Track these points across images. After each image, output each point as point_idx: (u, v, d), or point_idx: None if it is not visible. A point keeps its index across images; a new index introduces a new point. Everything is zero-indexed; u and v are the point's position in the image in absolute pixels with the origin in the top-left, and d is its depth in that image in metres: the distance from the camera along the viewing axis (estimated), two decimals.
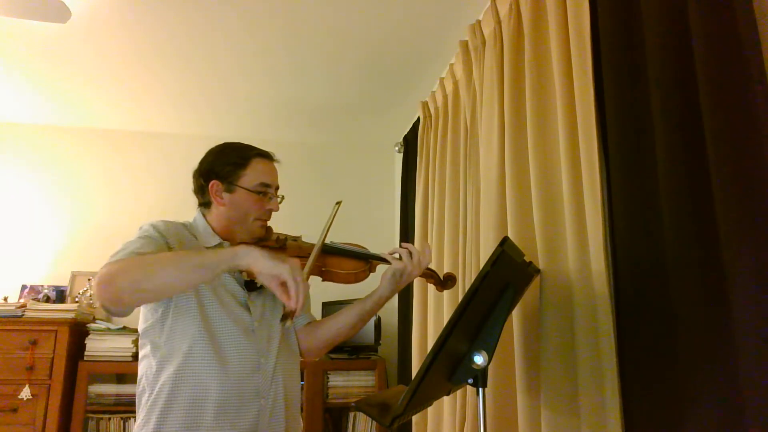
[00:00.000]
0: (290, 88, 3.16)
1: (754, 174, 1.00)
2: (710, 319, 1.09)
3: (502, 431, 1.72)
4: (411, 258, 1.45)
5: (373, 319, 3.23)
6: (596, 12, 1.50)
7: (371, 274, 1.52)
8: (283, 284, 1.14)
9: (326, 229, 1.50)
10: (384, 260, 1.48)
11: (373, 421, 3.20)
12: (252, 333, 1.39)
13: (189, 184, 1.53)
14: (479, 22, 2.25)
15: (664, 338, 1.20)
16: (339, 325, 1.54)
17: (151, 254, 1.23)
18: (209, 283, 1.34)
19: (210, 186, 1.46)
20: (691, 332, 1.12)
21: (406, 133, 3.61)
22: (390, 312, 3.52)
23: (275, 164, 1.54)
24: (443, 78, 2.79)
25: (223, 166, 1.46)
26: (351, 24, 2.49)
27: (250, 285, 1.46)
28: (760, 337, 0.95)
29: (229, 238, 1.47)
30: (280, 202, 1.52)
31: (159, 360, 1.34)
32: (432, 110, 2.99)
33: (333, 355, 3.34)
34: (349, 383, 3.25)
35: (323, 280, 1.50)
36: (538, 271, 1.59)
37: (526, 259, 1.49)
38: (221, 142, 1.55)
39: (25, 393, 2.80)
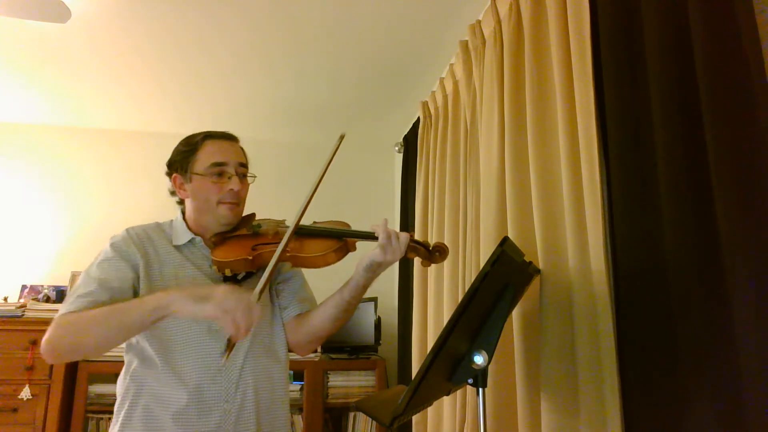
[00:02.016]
0: (290, 88, 3.16)
1: (754, 174, 1.00)
2: (710, 319, 1.09)
3: (502, 431, 1.72)
4: (390, 244, 1.29)
5: (373, 319, 3.23)
6: (596, 12, 1.50)
7: (351, 252, 1.38)
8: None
9: (299, 213, 1.36)
10: (363, 237, 1.35)
11: (373, 421, 3.20)
12: (216, 332, 1.31)
13: None
14: (479, 22, 2.25)
15: (664, 338, 1.20)
16: (321, 318, 1.43)
17: (85, 312, 1.20)
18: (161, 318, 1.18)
19: (173, 181, 1.44)
20: (691, 332, 1.12)
21: (406, 133, 3.61)
22: (390, 312, 3.52)
23: (236, 143, 1.46)
24: (443, 78, 2.79)
25: (178, 158, 1.43)
26: (351, 24, 2.49)
27: (228, 279, 1.37)
28: (760, 337, 0.95)
29: (202, 231, 1.43)
30: (252, 182, 1.45)
31: (127, 361, 1.34)
32: (432, 110, 2.99)
33: (333, 355, 3.34)
34: (349, 383, 3.25)
35: (293, 266, 1.43)
36: (538, 271, 1.59)
37: (526, 259, 1.49)
38: None
39: (25, 393, 2.80)
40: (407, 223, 3.37)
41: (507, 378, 1.74)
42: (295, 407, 3.19)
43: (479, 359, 1.24)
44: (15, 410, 2.79)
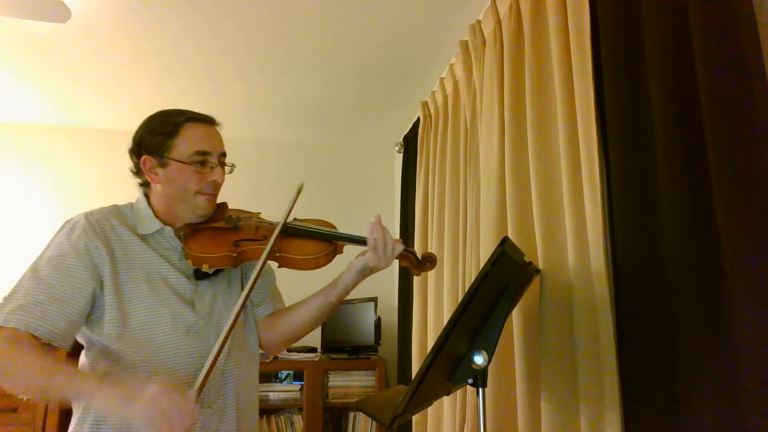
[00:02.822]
0: (290, 88, 3.16)
1: (754, 174, 1.00)
2: (710, 319, 1.09)
3: (502, 431, 1.72)
4: (385, 250, 1.26)
5: (373, 319, 3.23)
6: (596, 12, 1.50)
7: (338, 255, 1.33)
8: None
9: (288, 211, 1.31)
10: (356, 241, 1.30)
11: (373, 421, 3.20)
12: (197, 334, 1.23)
13: None
14: (479, 22, 2.25)
15: (664, 338, 1.20)
16: (302, 319, 1.35)
17: (15, 353, 1.04)
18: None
19: (142, 162, 1.28)
20: (691, 332, 1.12)
21: (406, 133, 3.61)
22: (390, 312, 3.52)
23: (217, 128, 1.33)
24: (443, 78, 2.79)
25: (152, 138, 1.27)
26: (351, 24, 2.49)
27: (200, 274, 1.29)
28: (760, 338, 0.95)
29: (171, 220, 1.30)
30: (230, 172, 1.34)
31: (91, 361, 1.20)
32: (432, 110, 2.99)
33: (333, 355, 3.35)
34: (349, 383, 3.25)
35: (279, 267, 1.33)
36: (538, 271, 1.59)
37: (526, 259, 1.49)
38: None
39: None
40: (407, 223, 3.37)
41: (507, 378, 1.74)
42: (295, 407, 3.19)
43: (479, 359, 1.24)
44: (15, 410, 2.79)
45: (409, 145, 3.51)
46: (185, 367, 1.20)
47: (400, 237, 3.50)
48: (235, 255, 1.27)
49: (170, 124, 1.27)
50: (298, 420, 3.16)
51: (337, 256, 1.34)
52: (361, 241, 1.29)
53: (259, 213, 1.38)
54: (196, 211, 1.29)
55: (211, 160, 1.27)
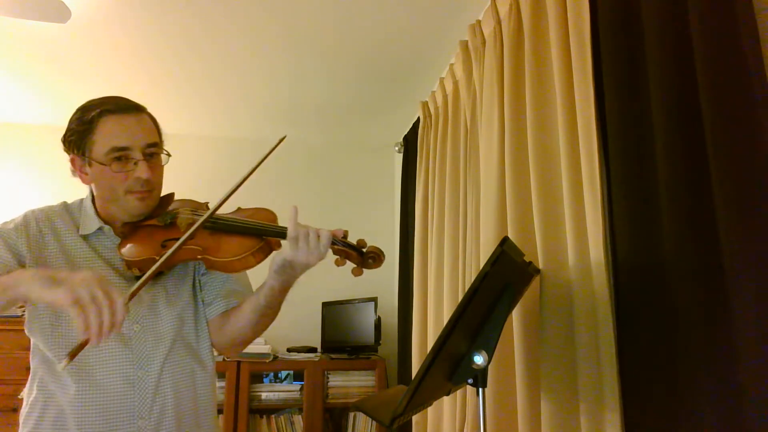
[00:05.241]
0: (290, 88, 3.16)
1: (754, 174, 1.00)
2: (710, 319, 1.09)
3: (502, 431, 1.72)
4: (306, 243, 1.09)
5: (373, 319, 3.23)
6: (596, 12, 1.50)
7: (276, 252, 1.17)
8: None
9: (215, 206, 1.16)
10: (278, 234, 1.14)
11: (373, 421, 3.20)
12: (129, 340, 1.14)
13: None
14: (479, 22, 2.25)
15: (664, 338, 1.20)
16: (240, 324, 1.23)
17: None
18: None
19: (71, 162, 1.20)
20: (691, 332, 1.12)
21: (406, 133, 3.61)
22: (390, 312, 3.52)
23: (142, 115, 1.22)
24: (443, 78, 2.79)
25: (72, 137, 1.18)
26: (351, 24, 2.49)
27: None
28: (760, 338, 0.95)
29: (111, 219, 1.21)
30: (166, 163, 1.21)
31: (33, 368, 1.16)
32: (432, 110, 2.99)
33: (333, 355, 3.35)
34: (349, 383, 3.25)
35: (207, 269, 1.22)
36: (538, 271, 1.59)
37: (526, 259, 1.49)
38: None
39: None
40: (407, 223, 3.37)
41: (507, 378, 1.74)
42: (295, 407, 3.19)
43: (479, 359, 1.24)
44: (15, 410, 2.79)
45: (409, 145, 3.51)
46: (116, 375, 1.12)
47: (400, 237, 3.49)
48: (158, 258, 1.10)
49: (85, 121, 1.16)
50: (298, 420, 3.16)
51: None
52: (282, 234, 1.14)
53: (207, 203, 1.26)
54: (130, 211, 1.18)
55: (132, 156, 1.14)
